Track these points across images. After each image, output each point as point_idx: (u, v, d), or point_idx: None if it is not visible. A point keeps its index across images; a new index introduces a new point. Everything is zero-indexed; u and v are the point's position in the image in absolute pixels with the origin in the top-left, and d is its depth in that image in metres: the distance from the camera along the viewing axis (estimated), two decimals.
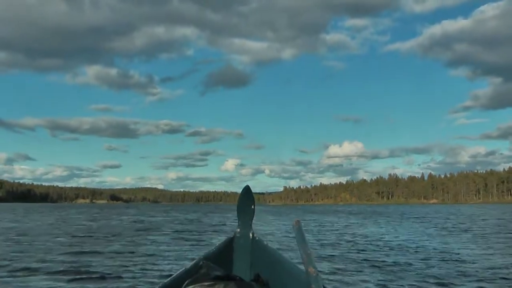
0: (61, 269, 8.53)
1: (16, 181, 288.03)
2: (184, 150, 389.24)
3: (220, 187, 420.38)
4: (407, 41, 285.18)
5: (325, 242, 14.35)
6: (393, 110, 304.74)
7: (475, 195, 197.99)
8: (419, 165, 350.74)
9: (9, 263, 9.23)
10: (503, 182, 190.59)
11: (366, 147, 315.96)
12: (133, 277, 7.60)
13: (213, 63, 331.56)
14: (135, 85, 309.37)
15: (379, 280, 7.40)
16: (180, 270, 2.20)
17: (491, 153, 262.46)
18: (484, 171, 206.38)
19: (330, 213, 52.25)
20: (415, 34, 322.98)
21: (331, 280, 7.36)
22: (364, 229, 21.25)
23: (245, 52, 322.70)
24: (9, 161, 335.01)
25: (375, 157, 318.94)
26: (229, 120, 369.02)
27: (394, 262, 9.55)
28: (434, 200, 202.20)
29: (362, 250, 11.91)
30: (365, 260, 9.92)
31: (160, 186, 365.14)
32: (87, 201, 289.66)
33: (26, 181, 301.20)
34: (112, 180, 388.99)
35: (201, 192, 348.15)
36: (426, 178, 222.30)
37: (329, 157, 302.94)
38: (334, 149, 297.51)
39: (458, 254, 11.11)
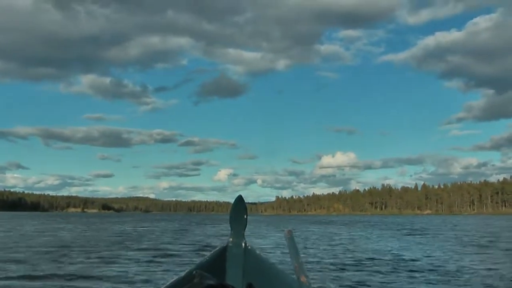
0: None
1: (7, 189, 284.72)
2: (177, 160, 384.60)
3: (212, 197, 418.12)
4: (400, 52, 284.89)
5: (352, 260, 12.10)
6: (386, 121, 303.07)
7: (470, 206, 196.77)
8: (411, 175, 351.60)
9: None
10: (497, 193, 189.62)
11: (359, 158, 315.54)
12: None
13: (207, 73, 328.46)
14: (129, 95, 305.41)
15: None
16: (173, 279, 2.23)
17: (483, 164, 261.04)
18: (478, 182, 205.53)
19: (336, 223, 49.97)
20: (409, 45, 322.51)
21: None
22: (384, 243, 19.02)
23: (239, 62, 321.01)
24: (2, 169, 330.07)
25: (367, 167, 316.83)
26: (222, 130, 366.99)
27: None
28: (428, 211, 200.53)
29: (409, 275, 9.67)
30: None
31: (152, 196, 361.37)
32: (79, 210, 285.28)
33: (18, 190, 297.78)
34: (105, 189, 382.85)
35: (193, 201, 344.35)
36: (419, 188, 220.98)
37: (322, 167, 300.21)
38: (326, 160, 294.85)
39: None
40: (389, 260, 12.27)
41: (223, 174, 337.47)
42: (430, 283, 8.49)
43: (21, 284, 8.25)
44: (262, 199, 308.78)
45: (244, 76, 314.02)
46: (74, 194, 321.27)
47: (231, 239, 2.74)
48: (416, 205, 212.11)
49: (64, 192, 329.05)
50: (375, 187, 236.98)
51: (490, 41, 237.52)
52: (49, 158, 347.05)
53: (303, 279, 1.86)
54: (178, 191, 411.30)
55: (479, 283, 8.47)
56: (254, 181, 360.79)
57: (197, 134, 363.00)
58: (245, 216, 2.78)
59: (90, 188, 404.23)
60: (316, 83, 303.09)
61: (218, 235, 25.01)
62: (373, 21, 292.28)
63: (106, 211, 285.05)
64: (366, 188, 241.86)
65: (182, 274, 2.24)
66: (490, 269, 10.44)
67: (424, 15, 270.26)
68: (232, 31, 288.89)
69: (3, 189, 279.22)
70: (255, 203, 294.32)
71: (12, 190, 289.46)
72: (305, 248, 16.01)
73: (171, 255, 13.21)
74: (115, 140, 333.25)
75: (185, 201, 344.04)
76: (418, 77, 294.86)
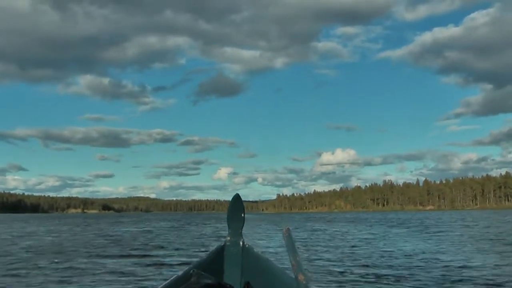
0: None
1: (7, 191, 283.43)
2: (177, 159, 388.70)
3: (212, 195, 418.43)
4: (398, 48, 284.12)
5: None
6: (385, 117, 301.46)
7: (472, 201, 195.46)
8: (411, 171, 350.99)
9: None
10: (500, 187, 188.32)
11: (359, 154, 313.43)
12: None
13: (205, 72, 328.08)
14: (127, 95, 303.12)
15: None
16: (171, 279, 2.21)
17: (483, 159, 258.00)
18: (480, 177, 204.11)
19: (342, 221, 48.45)
20: (407, 41, 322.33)
21: None
22: (405, 244, 17.48)
23: (237, 61, 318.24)
24: (2, 171, 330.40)
25: (367, 164, 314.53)
26: (221, 129, 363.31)
27: None
28: (431, 207, 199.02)
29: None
30: None
31: (153, 195, 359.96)
32: (79, 210, 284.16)
33: (19, 192, 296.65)
34: (105, 189, 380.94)
35: (194, 200, 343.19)
36: (421, 184, 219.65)
37: (322, 164, 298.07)
38: (326, 157, 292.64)
39: None
40: (438, 267, 10.67)
41: (223, 172, 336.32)
42: None
43: None
44: (263, 197, 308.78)
45: (242, 74, 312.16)
46: (74, 195, 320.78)
47: (228, 238, 2.75)
48: (418, 200, 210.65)
49: (65, 193, 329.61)
50: (376, 183, 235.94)
51: (487, 36, 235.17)
52: (48, 159, 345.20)
53: (301, 277, 1.87)
54: (178, 190, 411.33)
55: None
56: (255, 180, 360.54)
57: (197, 133, 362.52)
58: (242, 215, 2.78)
59: (90, 189, 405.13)
60: (314, 80, 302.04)
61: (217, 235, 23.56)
62: (370, 17, 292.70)
63: (106, 211, 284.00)
64: (367, 185, 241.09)
65: (180, 273, 2.25)
66: None
67: (422, 11, 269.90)
68: (230, 30, 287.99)
69: (3, 191, 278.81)
70: (256, 202, 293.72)
71: (12, 192, 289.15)
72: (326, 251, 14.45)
73: (162, 258, 11.70)
74: (115, 140, 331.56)
75: (185, 200, 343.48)
76: (416, 73, 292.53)
